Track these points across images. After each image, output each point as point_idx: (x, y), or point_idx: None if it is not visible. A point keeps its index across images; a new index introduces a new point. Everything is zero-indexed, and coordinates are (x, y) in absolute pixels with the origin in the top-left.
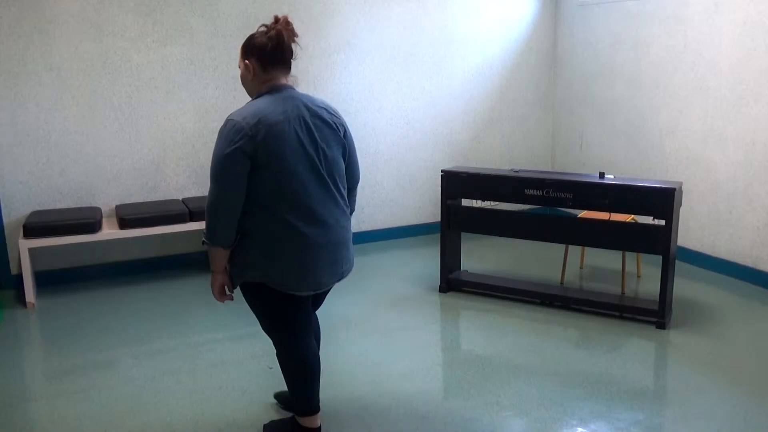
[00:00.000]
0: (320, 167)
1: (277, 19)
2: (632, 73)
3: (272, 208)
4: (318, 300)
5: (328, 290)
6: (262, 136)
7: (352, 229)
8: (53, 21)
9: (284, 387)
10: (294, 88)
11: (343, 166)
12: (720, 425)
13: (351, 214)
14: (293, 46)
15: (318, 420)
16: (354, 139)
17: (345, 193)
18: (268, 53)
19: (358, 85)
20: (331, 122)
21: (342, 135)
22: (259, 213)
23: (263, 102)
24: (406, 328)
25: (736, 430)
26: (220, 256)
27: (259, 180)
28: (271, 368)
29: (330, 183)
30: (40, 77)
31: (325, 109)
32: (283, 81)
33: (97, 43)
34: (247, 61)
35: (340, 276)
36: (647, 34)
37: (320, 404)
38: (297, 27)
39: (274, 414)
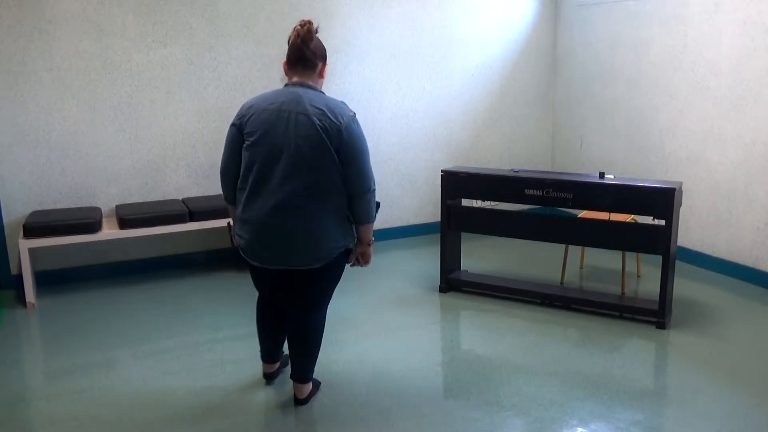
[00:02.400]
0: (283, 156)
1: (302, 24)
2: (632, 73)
3: (241, 182)
4: (291, 291)
5: (299, 283)
6: (247, 118)
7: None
8: (53, 21)
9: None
10: (305, 86)
11: (321, 165)
12: (720, 425)
13: (358, 223)
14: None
15: (269, 368)
16: None
17: (315, 192)
18: (288, 54)
19: (358, 85)
20: (315, 120)
21: (333, 137)
22: (239, 185)
23: (269, 92)
24: (406, 328)
25: (736, 430)
26: (231, 213)
27: (243, 157)
28: None
29: (289, 174)
30: (40, 77)
31: (319, 109)
32: (297, 79)
33: (97, 43)
34: (284, 60)
35: (284, 264)
36: (647, 34)
37: (302, 385)
38: None
39: (274, 414)
